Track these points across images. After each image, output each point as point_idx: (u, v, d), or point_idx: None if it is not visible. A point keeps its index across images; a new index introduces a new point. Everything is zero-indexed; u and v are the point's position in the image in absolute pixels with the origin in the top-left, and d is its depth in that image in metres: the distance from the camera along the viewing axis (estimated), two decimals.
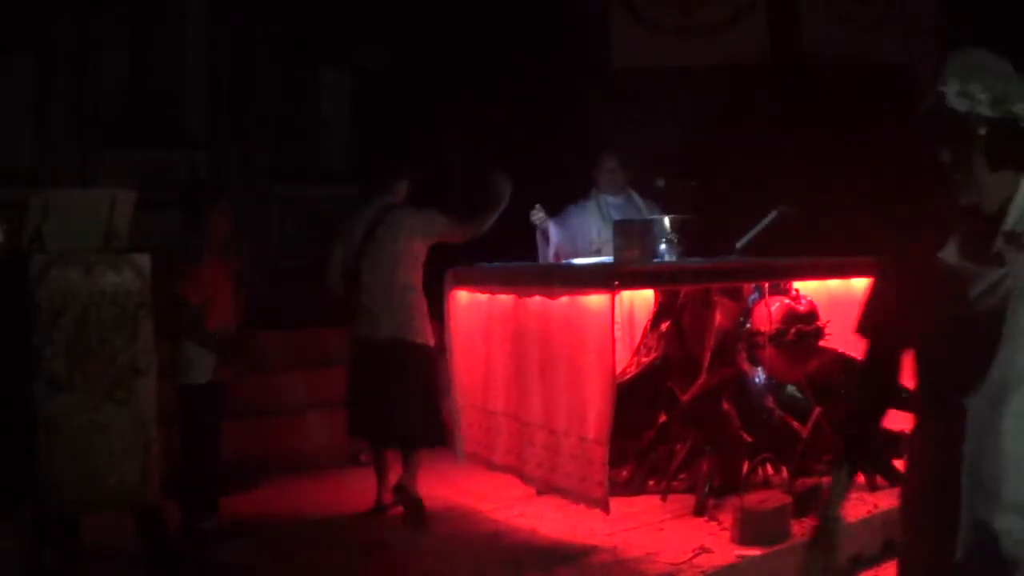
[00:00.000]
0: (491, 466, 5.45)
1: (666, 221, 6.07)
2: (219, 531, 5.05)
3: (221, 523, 5.13)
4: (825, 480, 5.57)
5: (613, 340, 4.62)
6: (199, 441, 5.06)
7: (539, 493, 5.51)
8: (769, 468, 5.69)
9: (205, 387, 5.05)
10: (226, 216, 5.27)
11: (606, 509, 4.58)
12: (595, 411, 4.57)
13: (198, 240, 5.10)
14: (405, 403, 5.23)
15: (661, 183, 6.01)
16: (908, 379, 6.25)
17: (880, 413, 2.60)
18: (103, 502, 4.41)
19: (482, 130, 9.35)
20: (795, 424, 5.62)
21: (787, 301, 5.68)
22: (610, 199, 6.29)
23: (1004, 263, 2.17)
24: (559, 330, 4.84)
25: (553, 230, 6.25)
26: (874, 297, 2.46)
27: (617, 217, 6.04)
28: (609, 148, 6.56)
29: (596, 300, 4.63)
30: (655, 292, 5.85)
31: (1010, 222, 2.18)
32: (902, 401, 6.22)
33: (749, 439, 5.44)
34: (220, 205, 5.27)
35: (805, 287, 5.85)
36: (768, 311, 5.60)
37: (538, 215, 6.18)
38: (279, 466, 6.42)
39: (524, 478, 5.18)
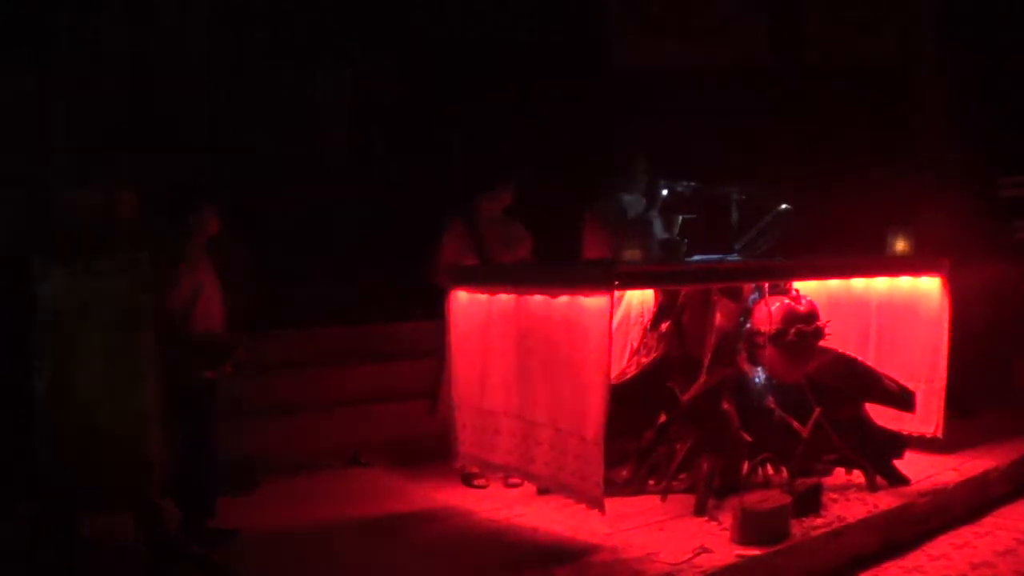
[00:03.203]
0: (488, 466, 5.44)
1: (666, 221, 6.08)
2: (219, 531, 5.05)
3: (221, 523, 5.12)
4: (825, 480, 5.59)
5: (611, 340, 4.61)
6: (193, 442, 5.05)
7: (540, 492, 5.51)
8: (769, 468, 5.69)
9: (193, 388, 5.03)
10: (212, 218, 5.24)
11: (602, 508, 4.57)
12: (592, 411, 4.57)
13: (183, 242, 5.08)
14: None
15: (662, 183, 6.01)
16: (907, 379, 6.26)
17: None
18: (103, 502, 4.41)
19: (483, 130, 9.36)
20: (795, 424, 5.62)
21: (787, 301, 5.68)
22: (627, 198, 6.29)
23: None
24: (559, 329, 4.83)
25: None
26: None
27: (630, 215, 6.03)
28: (640, 150, 6.53)
29: (595, 300, 4.62)
30: (655, 292, 5.85)
31: None
32: (902, 401, 6.25)
33: (749, 439, 5.43)
34: (206, 207, 5.24)
35: (805, 287, 5.85)
36: (768, 311, 5.60)
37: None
38: (279, 466, 6.41)
39: (528, 476, 5.17)
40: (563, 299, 4.82)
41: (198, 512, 5.00)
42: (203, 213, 5.18)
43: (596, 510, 4.60)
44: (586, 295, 4.66)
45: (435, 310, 5.85)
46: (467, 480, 5.94)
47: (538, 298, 5.01)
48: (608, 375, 4.57)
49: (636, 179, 6.31)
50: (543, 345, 4.94)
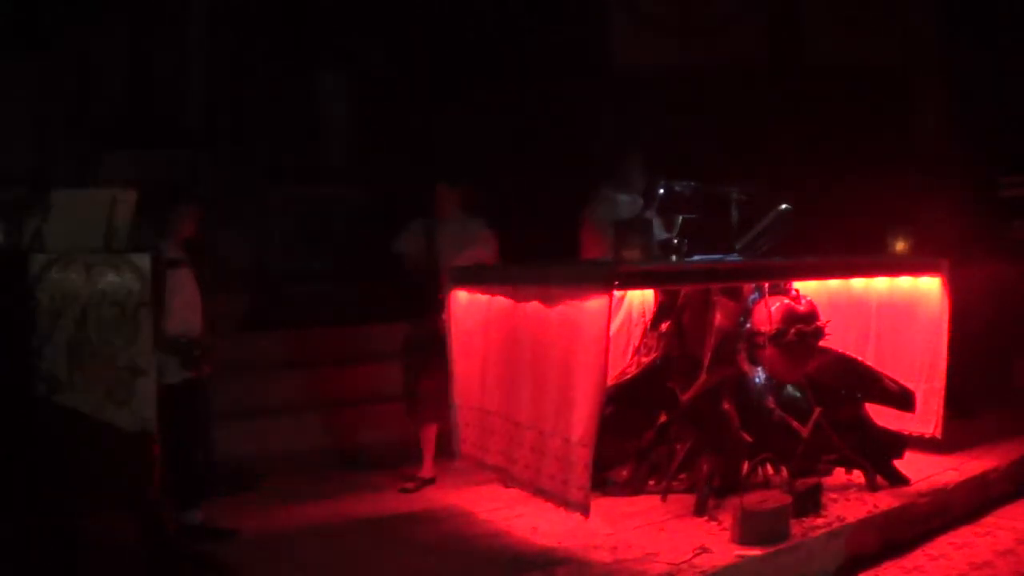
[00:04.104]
0: (483, 466, 5.44)
1: (666, 221, 6.07)
2: (215, 531, 5.05)
3: (220, 523, 5.12)
4: (825, 480, 5.59)
5: (608, 341, 4.60)
6: (174, 441, 5.01)
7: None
8: (769, 468, 5.69)
9: (172, 388, 5.00)
10: (187, 218, 5.24)
11: (585, 513, 4.54)
12: (581, 412, 4.54)
13: (160, 242, 5.06)
14: None
15: (661, 183, 6.01)
16: (907, 379, 6.25)
17: None
18: (103, 502, 4.41)
19: (482, 130, 9.36)
20: (795, 424, 5.62)
21: (787, 301, 5.68)
22: (625, 198, 6.29)
23: None
24: (555, 329, 4.82)
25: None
26: None
27: (627, 215, 6.03)
28: (635, 150, 6.52)
29: (594, 300, 4.62)
30: (655, 292, 5.85)
31: None
32: (902, 401, 6.25)
33: (749, 439, 5.43)
34: (184, 208, 5.23)
35: (805, 287, 5.85)
36: (768, 311, 5.60)
37: None
38: (279, 466, 6.41)
39: (512, 480, 5.16)
40: (562, 299, 4.82)
41: (179, 509, 4.97)
42: (177, 213, 5.18)
43: (579, 513, 4.57)
44: (585, 295, 4.66)
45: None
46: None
47: (537, 298, 5.01)
48: (604, 376, 4.55)
49: (631, 179, 6.31)
50: (537, 345, 4.94)
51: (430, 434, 6.09)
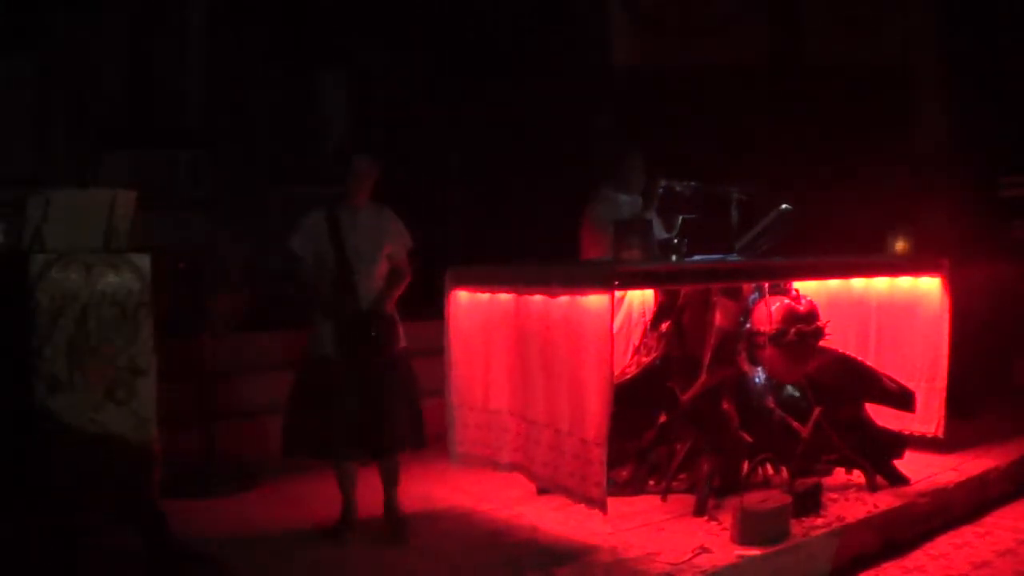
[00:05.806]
0: (495, 465, 5.43)
1: (666, 221, 6.07)
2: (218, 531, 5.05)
3: (209, 524, 5.13)
4: (825, 480, 5.59)
5: (612, 341, 4.61)
6: None
7: (540, 492, 5.51)
8: (769, 468, 5.69)
9: None
10: None
11: (604, 509, 4.57)
12: (593, 412, 4.56)
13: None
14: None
15: (661, 183, 6.01)
16: (907, 379, 6.26)
17: None
18: (103, 502, 4.41)
19: (481, 130, 9.36)
20: (795, 424, 5.62)
21: (787, 301, 5.68)
22: (625, 198, 6.28)
23: None
24: (559, 330, 4.83)
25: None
26: None
27: (627, 215, 6.03)
28: (634, 149, 6.50)
29: (595, 300, 4.62)
30: (655, 292, 5.85)
31: None
32: (902, 401, 6.25)
33: (749, 439, 5.44)
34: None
35: (805, 287, 5.85)
36: (768, 311, 5.60)
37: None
38: (279, 466, 6.40)
39: (531, 476, 5.19)
40: (563, 299, 4.82)
41: None
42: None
43: (597, 510, 4.59)
44: (586, 295, 4.66)
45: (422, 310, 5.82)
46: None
47: (538, 298, 5.01)
48: (610, 376, 4.56)
49: (630, 178, 6.31)
50: (543, 345, 4.94)
51: (350, 471, 5.23)
